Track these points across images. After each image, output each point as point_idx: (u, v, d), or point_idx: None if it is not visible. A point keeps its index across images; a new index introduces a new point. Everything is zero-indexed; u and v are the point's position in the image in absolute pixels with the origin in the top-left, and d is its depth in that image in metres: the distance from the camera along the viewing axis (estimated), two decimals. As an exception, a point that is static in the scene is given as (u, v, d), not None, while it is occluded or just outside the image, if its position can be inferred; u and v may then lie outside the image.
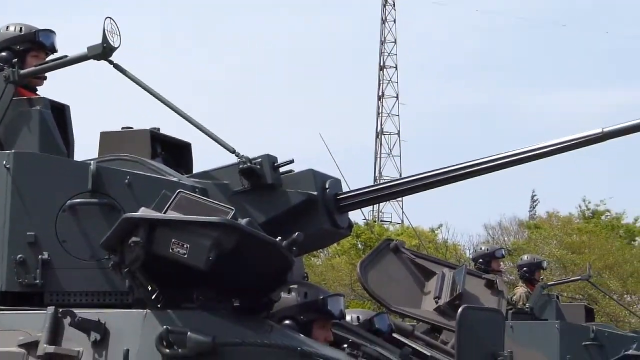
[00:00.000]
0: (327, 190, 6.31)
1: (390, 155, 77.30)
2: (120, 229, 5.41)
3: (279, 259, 5.57)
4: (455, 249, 41.49)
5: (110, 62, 6.53)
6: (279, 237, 5.59)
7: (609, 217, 54.46)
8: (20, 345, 5.50)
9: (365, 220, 48.44)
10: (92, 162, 6.25)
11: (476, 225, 60.58)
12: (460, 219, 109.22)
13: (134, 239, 5.33)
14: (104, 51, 6.45)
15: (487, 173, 6.45)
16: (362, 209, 7.16)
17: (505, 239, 48.53)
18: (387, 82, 77.08)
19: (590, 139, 6.25)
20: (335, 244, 47.46)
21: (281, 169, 6.34)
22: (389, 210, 67.75)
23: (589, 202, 56.15)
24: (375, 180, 64.30)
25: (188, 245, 5.29)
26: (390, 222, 62.48)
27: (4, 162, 6.07)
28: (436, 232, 48.07)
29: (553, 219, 53.26)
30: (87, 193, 5.97)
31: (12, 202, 5.98)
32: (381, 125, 77.00)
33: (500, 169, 6.41)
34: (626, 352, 13.16)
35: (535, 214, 61.06)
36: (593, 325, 14.48)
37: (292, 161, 6.36)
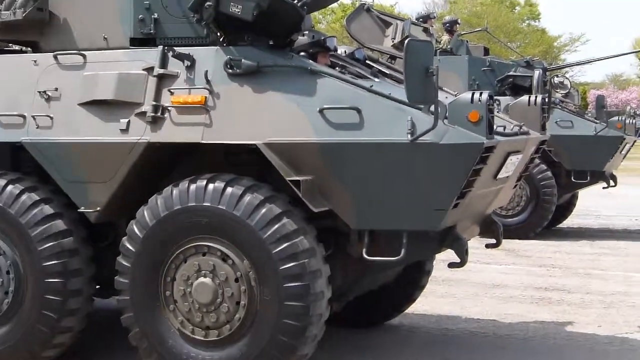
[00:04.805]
0: None
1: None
2: (200, -4, 5.58)
3: (296, 15, 5.74)
4: (404, 17, 42.28)
5: None
6: (296, 0, 5.75)
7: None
8: (143, 69, 5.69)
9: (352, 1, 48.31)
10: None
11: (418, 3, 60.35)
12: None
13: (208, 3, 5.50)
14: None
15: None
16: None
17: (437, 10, 48.85)
18: None
19: None
20: (332, 17, 47.33)
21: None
22: (366, -4, 67.52)
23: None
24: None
25: (241, 5, 5.45)
26: (365, 2, 62.16)
27: None
28: (393, 7, 48.25)
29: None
30: None
31: None
32: None
33: None
34: (508, 74, 13.49)
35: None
36: (488, 58, 14.67)
37: None
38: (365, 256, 5.51)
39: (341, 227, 5.63)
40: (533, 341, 7.23)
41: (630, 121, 13.87)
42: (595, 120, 13.44)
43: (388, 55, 7.75)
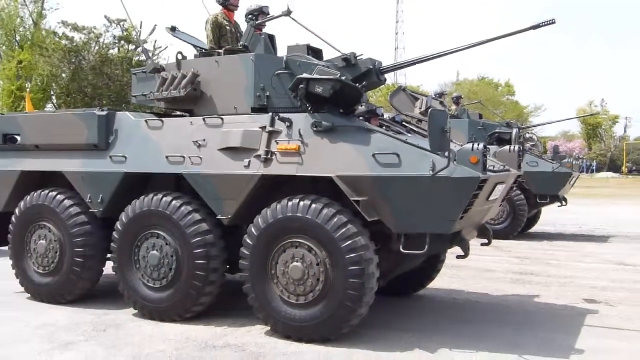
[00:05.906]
0: (375, 65, 6.09)
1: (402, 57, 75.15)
2: (296, 81, 5.55)
3: (357, 93, 5.65)
4: (427, 94, 41.52)
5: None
6: (357, 84, 5.71)
7: (486, 79, 53.85)
8: (259, 127, 5.62)
9: (392, 84, 48.04)
10: (284, 56, 5.97)
11: (434, 84, 59.43)
12: (430, 82, 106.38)
13: (301, 85, 5.50)
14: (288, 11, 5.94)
15: (447, 55, 5.80)
16: (389, 74, 6.98)
17: (447, 89, 47.98)
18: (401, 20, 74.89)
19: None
20: (379, 93, 47.01)
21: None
22: (401, 80, 66.80)
23: (486, 75, 55.41)
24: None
25: (322, 87, 5.42)
26: (401, 84, 61.52)
27: (251, 58, 5.90)
28: (419, 86, 47.75)
29: (466, 82, 52.39)
30: (282, 69, 5.77)
31: (255, 73, 5.87)
32: (396, 43, 74.71)
33: (455, 52, 5.76)
34: (494, 131, 12.84)
35: (458, 79, 59.70)
36: (482, 120, 14.27)
37: (362, 54, 6.07)
38: (402, 250, 5.37)
39: (386, 230, 5.49)
40: (512, 307, 6.96)
41: (576, 162, 13.59)
42: (552, 161, 13.12)
43: (417, 119, 7.61)
